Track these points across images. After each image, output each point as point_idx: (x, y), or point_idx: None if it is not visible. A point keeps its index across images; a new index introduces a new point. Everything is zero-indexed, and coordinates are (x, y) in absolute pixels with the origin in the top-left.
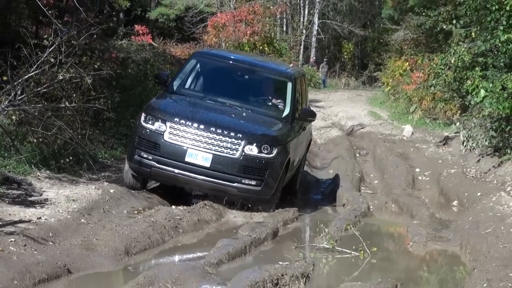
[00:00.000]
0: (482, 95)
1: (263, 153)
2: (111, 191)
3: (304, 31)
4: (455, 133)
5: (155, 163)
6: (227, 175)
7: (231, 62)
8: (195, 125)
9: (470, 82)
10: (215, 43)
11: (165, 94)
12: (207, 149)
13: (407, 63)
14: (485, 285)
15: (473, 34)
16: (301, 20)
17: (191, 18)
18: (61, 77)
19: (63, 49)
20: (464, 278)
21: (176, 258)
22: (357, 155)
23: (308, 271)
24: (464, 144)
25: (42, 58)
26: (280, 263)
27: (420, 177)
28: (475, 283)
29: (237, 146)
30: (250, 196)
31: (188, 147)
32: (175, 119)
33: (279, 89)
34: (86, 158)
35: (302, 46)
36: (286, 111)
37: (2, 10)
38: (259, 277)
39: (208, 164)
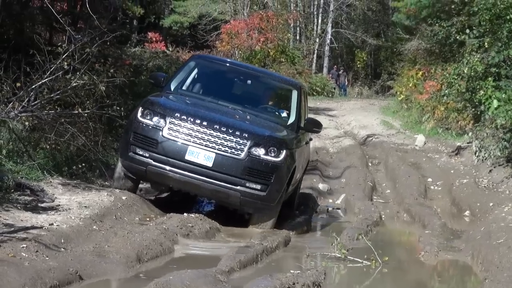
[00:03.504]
0: (495, 106)
1: (270, 155)
2: (123, 198)
3: (317, 40)
4: (468, 143)
5: (151, 160)
6: (230, 177)
7: (233, 66)
8: (198, 121)
9: (483, 92)
10: (228, 51)
11: (162, 94)
12: (210, 147)
13: (421, 73)
14: None
15: (486, 44)
16: (315, 28)
17: (204, 26)
18: (74, 84)
19: (76, 56)
20: None
21: (188, 265)
22: (370, 164)
23: (319, 280)
24: (477, 154)
25: (56, 65)
26: (291, 271)
27: (432, 187)
28: None
29: (242, 146)
30: (253, 202)
31: (189, 145)
32: (176, 114)
33: (283, 97)
34: (99, 164)
35: (315, 55)
36: (291, 119)
37: (16, 16)
38: (270, 286)
39: (210, 164)
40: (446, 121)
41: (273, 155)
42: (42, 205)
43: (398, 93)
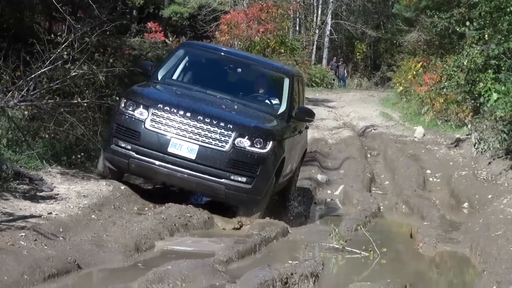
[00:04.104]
0: (494, 98)
1: (256, 147)
2: (122, 187)
3: (317, 31)
4: (467, 135)
5: (133, 153)
6: (214, 170)
7: (223, 54)
8: (181, 112)
9: (482, 85)
10: (227, 41)
11: (149, 83)
12: (193, 139)
13: (420, 64)
14: (494, 287)
15: (486, 36)
16: (314, 20)
17: (204, 16)
18: (73, 74)
19: (76, 46)
20: (473, 280)
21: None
22: (368, 155)
23: (317, 271)
24: (476, 146)
25: (55, 54)
26: (289, 262)
27: (431, 179)
28: (485, 285)
29: (227, 138)
30: (238, 195)
31: (171, 137)
32: (159, 105)
33: (275, 85)
34: (98, 154)
35: (314, 46)
36: (282, 108)
37: (16, 5)
38: (268, 276)
39: (193, 156)
40: (445, 113)
41: (259, 146)
42: (41, 194)
43: (397, 84)
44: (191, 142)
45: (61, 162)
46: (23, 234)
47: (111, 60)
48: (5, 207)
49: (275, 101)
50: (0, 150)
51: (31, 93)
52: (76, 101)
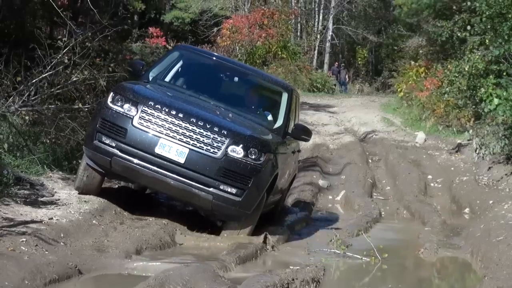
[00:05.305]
0: (496, 103)
1: (250, 157)
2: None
3: (318, 36)
4: (468, 140)
5: (117, 151)
6: (203, 177)
7: (220, 60)
8: (173, 112)
9: (483, 90)
10: (229, 46)
11: (139, 82)
12: (184, 142)
13: (422, 69)
14: None
15: (487, 41)
16: (316, 25)
17: (205, 21)
18: (75, 79)
19: (77, 51)
20: (474, 286)
21: (187, 260)
22: (370, 161)
23: (318, 276)
24: (477, 152)
25: (56, 59)
26: (291, 267)
27: (432, 184)
28: None
29: (219, 144)
30: (226, 207)
31: (160, 137)
32: (150, 102)
33: (272, 99)
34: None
35: (316, 51)
36: (279, 123)
37: (17, 10)
38: (269, 281)
39: (182, 160)
40: (446, 118)
41: (253, 157)
42: (42, 199)
43: (398, 90)
44: (181, 145)
45: (62, 167)
46: (24, 239)
47: (112, 65)
48: (6, 212)
49: (271, 115)
50: (1, 155)
51: (32, 98)
52: (77, 106)
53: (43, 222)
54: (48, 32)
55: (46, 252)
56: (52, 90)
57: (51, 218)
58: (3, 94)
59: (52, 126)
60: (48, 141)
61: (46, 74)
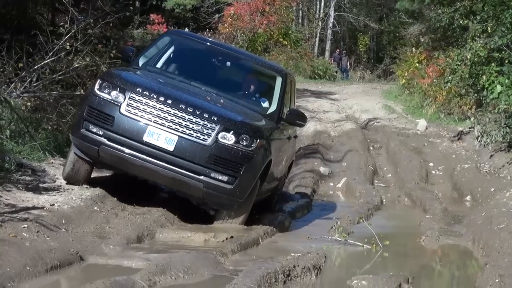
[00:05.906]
0: (498, 91)
1: (241, 144)
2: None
3: (319, 23)
4: (470, 128)
5: (105, 140)
6: (193, 165)
7: (212, 45)
8: (162, 99)
9: (486, 78)
10: (230, 33)
11: (128, 68)
12: (173, 129)
13: (423, 56)
14: (497, 280)
15: (489, 29)
16: (317, 12)
17: (207, 8)
18: (76, 65)
19: (79, 37)
20: (476, 273)
21: (189, 247)
22: (371, 148)
23: (320, 263)
24: (478, 139)
25: (58, 46)
26: (292, 254)
27: (433, 172)
28: (487, 279)
29: (210, 131)
30: (217, 195)
31: (149, 124)
32: (137, 89)
33: (266, 84)
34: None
35: (317, 38)
36: (272, 108)
37: None
38: (271, 268)
39: (171, 148)
40: (448, 106)
41: (244, 143)
42: (44, 185)
43: (400, 77)
44: (170, 132)
45: (64, 153)
46: (26, 225)
47: (113, 52)
48: (7, 198)
49: (264, 100)
50: (3, 141)
51: (34, 84)
52: (78, 93)
53: (45, 208)
54: (50, 19)
55: (48, 238)
56: (54, 76)
57: (53, 204)
58: (5, 80)
59: (54, 112)
60: (49, 127)
61: (48, 60)
